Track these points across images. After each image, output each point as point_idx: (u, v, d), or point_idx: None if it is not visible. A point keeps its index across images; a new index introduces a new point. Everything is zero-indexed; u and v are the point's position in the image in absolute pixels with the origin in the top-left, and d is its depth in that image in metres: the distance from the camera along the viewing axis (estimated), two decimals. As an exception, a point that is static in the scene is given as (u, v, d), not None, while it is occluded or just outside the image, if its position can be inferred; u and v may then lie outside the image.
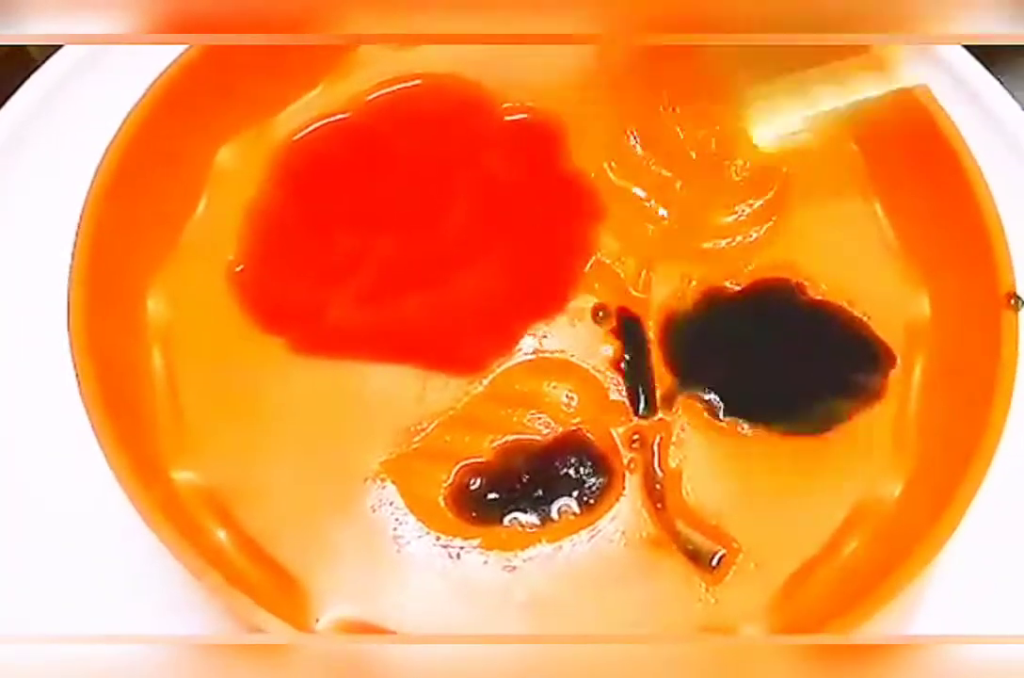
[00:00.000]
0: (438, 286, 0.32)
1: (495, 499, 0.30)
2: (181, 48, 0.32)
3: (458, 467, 0.30)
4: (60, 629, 0.31)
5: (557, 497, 0.30)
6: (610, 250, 0.33)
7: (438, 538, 0.30)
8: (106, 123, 0.31)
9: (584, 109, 0.34)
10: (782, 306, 0.32)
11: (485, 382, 0.31)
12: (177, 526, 0.27)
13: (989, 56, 0.37)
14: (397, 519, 0.30)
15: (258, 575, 0.29)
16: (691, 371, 0.31)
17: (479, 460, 0.30)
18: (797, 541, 0.30)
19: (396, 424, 0.31)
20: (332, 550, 0.30)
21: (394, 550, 0.30)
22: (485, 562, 0.30)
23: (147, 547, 0.27)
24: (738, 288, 0.32)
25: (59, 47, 0.37)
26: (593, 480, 0.30)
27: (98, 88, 0.36)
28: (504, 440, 0.31)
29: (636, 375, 0.31)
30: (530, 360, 0.32)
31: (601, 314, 0.32)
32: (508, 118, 0.34)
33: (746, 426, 0.31)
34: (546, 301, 0.32)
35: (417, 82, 0.34)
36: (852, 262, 0.33)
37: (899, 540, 0.29)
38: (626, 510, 0.30)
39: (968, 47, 0.37)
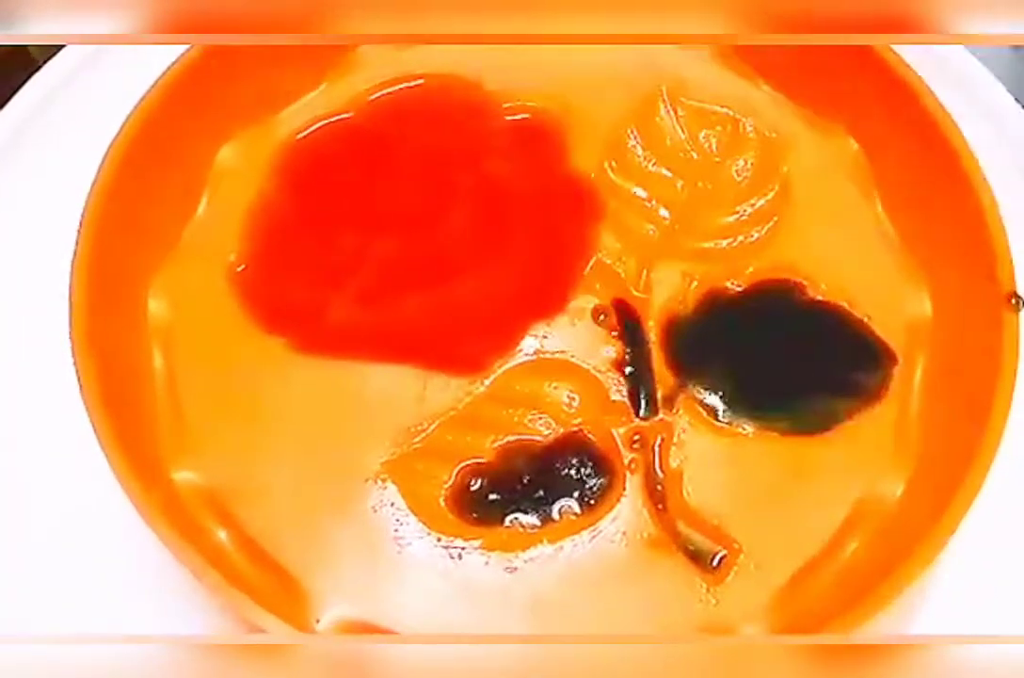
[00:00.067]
0: (439, 286, 0.32)
1: (496, 500, 0.30)
2: (182, 48, 0.32)
3: (459, 467, 0.30)
4: (60, 629, 0.31)
5: (558, 498, 0.30)
6: (611, 250, 0.33)
7: (439, 539, 0.30)
8: (107, 123, 0.31)
9: (584, 109, 0.34)
10: (783, 306, 0.32)
11: (486, 382, 0.31)
12: (177, 526, 0.27)
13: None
14: (398, 520, 0.30)
15: (258, 575, 0.29)
16: (692, 371, 0.31)
17: (480, 460, 0.30)
18: (798, 541, 0.30)
19: (397, 424, 0.31)
20: (333, 550, 0.30)
21: (395, 551, 0.30)
22: (486, 563, 0.30)
23: (147, 547, 0.27)
24: (739, 288, 0.32)
25: (60, 47, 0.37)
26: (594, 481, 0.30)
27: (99, 88, 0.36)
28: (505, 440, 0.31)
29: (637, 375, 0.31)
30: (531, 360, 0.31)
31: (602, 315, 0.32)
32: (509, 118, 0.34)
33: (747, 426, 0.31)
34: (547, 301, 0.32)
35: (418, 82, 0.34)
36: (853, 262, 0.33)
37: (900, 540, 0.29)
38: (627, 511, 0.30)
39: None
